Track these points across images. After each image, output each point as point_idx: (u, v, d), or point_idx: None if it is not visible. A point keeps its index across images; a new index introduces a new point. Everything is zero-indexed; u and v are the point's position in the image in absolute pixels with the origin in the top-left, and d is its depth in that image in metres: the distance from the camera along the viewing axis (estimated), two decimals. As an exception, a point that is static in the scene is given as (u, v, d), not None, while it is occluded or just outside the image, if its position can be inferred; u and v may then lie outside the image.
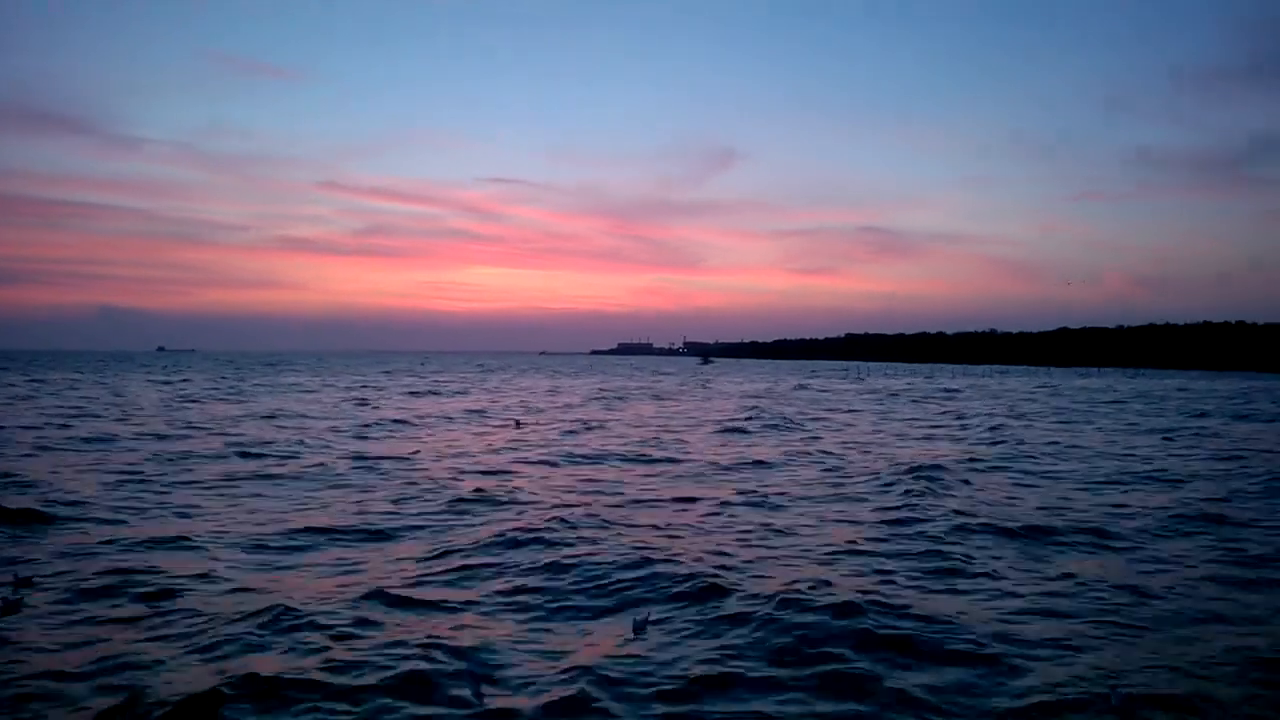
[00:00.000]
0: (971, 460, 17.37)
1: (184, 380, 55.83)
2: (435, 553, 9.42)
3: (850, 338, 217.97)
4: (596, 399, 40.92)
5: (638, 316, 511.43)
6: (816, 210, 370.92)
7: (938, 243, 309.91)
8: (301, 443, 20.05)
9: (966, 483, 14.43)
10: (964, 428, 25.37)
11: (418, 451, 18.81)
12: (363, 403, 35.46)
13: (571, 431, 24.04)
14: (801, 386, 54.14)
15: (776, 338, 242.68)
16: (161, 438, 20.73)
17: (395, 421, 26.34)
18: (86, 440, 19.86)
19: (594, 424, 26.41)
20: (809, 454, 18.78)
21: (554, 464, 17.24)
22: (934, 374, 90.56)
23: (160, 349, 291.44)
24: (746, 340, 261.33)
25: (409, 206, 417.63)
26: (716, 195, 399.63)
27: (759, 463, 17.29)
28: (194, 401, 35.01)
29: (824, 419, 28.69)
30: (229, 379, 59.16)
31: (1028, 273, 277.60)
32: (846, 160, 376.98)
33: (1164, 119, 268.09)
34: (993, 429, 24.35)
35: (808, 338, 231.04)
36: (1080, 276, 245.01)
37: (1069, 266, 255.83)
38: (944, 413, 31.59)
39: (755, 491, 13.58)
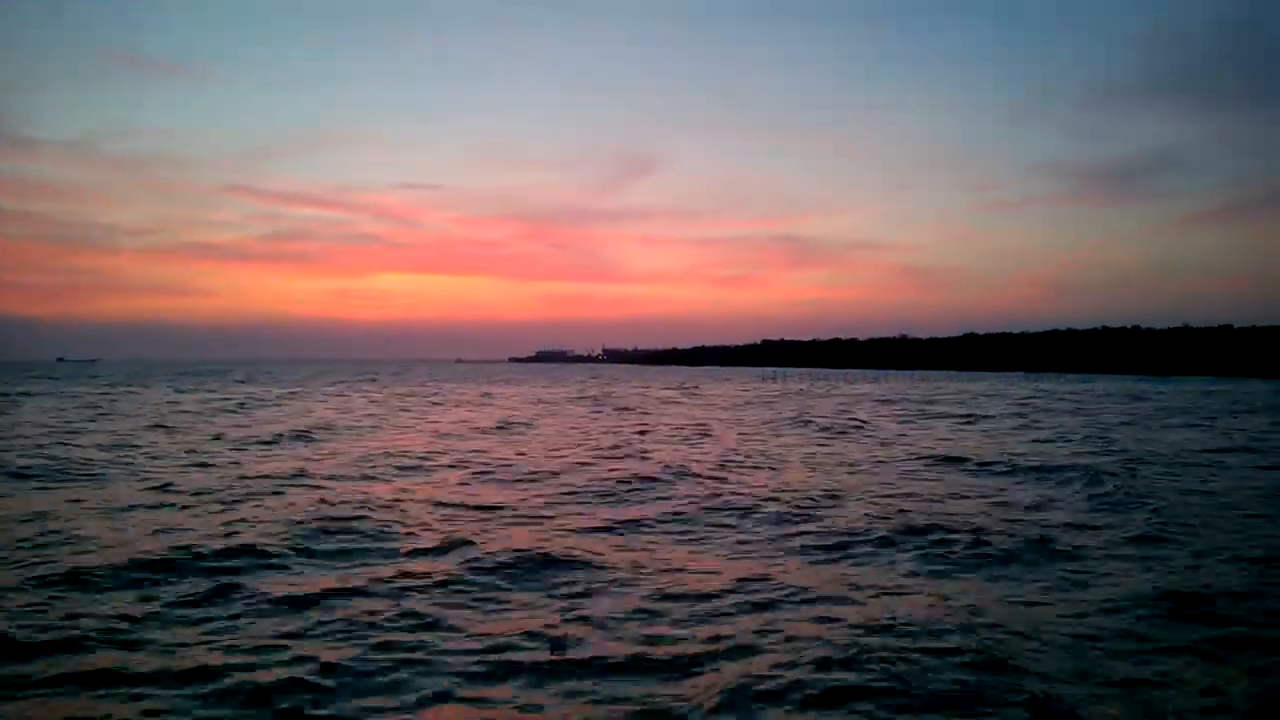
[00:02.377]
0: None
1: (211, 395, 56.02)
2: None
3: (767, 344, 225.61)
4: (632, 407, 44.15)
5: (555, 324, 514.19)
6: (734, 218, 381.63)
7: (851, 250, 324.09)
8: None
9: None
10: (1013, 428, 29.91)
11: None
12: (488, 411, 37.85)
13: (692, 439, 27.34)
14: (798, 391, 58.43)
15: (695, 344, 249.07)
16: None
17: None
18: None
19: (702, 433, 29.70)
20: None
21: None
22: (879, 379, 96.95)
23: (60, 359, 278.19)
24: (665, 348, 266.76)
25: (320, 211, 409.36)
26: (635, 203, 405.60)
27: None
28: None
29: (890, 421, 32.88)
30: (256, 392, 59.40)
31: (937, 279, 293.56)
32: (763, 169, 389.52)
33: (1068, 132, 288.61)
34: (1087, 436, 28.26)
35: (726, 344, 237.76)
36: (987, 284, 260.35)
37: (974, 274, 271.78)
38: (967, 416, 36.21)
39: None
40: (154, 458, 20.46)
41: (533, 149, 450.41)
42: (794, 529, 12.16)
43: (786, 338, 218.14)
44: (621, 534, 12.00)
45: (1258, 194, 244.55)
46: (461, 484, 16.64)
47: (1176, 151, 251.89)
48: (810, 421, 33.49)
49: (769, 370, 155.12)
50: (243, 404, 44.06)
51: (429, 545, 10.79)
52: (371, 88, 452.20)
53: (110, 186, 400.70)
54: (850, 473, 18.42)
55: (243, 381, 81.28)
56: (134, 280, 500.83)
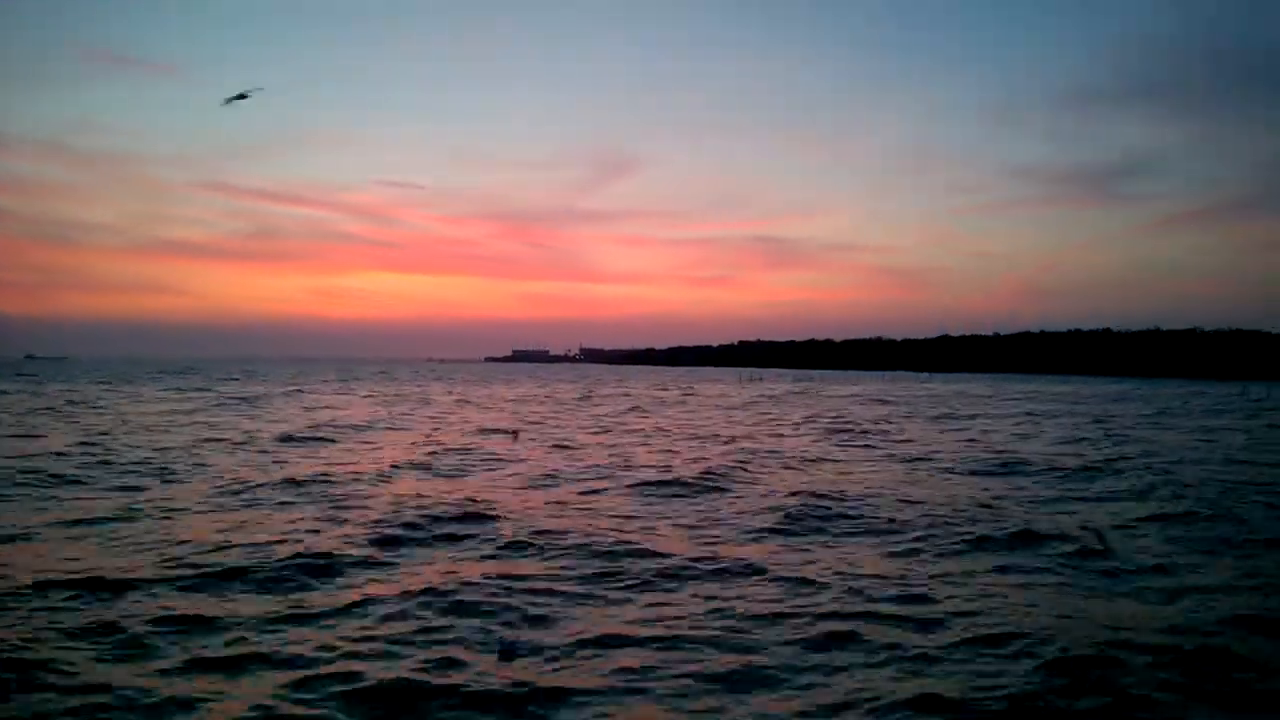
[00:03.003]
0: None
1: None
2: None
3: (745, 345, 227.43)
4: (637, 409, 45.08)
5: (533, 323, 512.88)
6: (713, 219, 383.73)
7: (832, 252, 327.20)
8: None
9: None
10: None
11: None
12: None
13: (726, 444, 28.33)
14: (780, 393, 59.62)
15: (672, 345, 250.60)
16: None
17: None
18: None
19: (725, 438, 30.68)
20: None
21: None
22: (857, 380, 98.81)
23: (29, 356, 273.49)
24: (643, 348, 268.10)
25: (297, 209, 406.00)
26: (614, 203, 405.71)
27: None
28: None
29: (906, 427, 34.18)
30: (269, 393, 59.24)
31: (914, 282, 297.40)
32: (744, 170, 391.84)
33: (1049, 135, 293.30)
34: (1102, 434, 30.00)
35: (704, 345, 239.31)
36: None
37: (954, 276, 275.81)
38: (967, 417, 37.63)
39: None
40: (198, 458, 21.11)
41: (513, 149, 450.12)
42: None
43: (764, 339, 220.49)
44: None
45: (1236, 196, 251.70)
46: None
47: (1156, 154, 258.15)
48: (810, 422, 34.80)
49: (747, 371, 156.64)
50: (251, 403, 44.42)
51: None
52: (352, 87, 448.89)
53: (81, 183, 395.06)
54: (907, 473, 19.54)
55: (235, 379, 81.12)
56: (105, 278, 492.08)
